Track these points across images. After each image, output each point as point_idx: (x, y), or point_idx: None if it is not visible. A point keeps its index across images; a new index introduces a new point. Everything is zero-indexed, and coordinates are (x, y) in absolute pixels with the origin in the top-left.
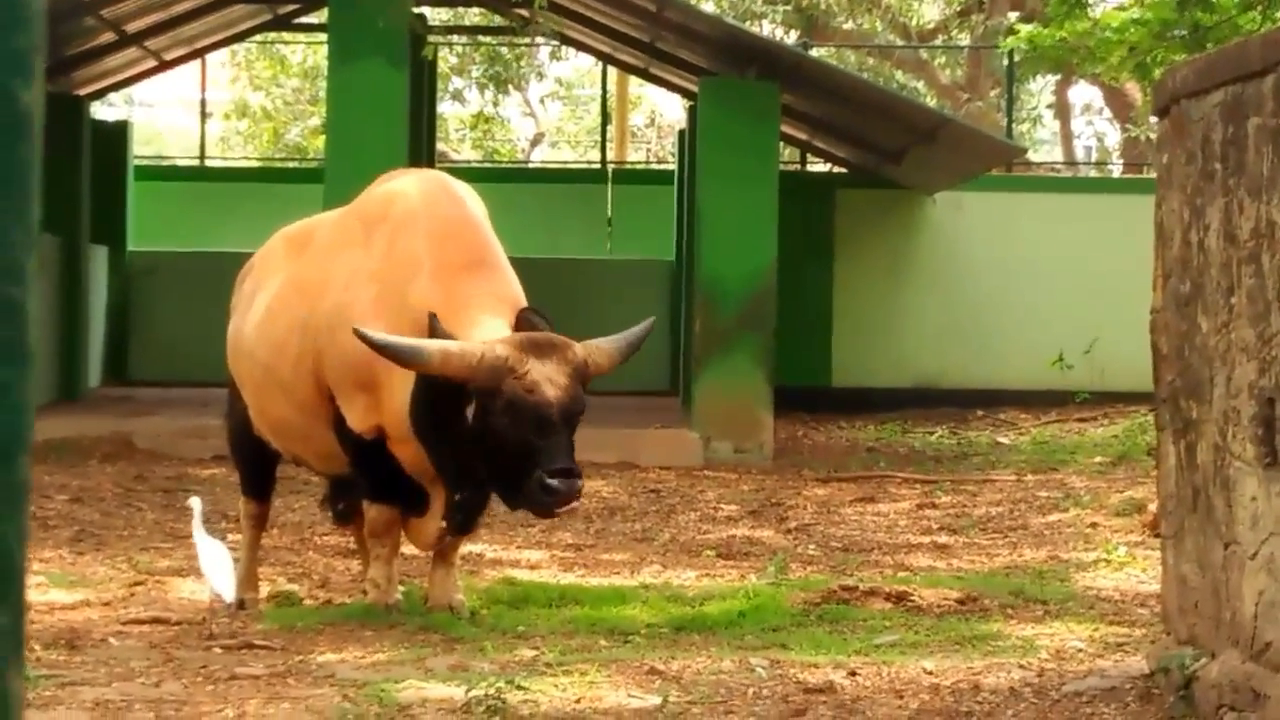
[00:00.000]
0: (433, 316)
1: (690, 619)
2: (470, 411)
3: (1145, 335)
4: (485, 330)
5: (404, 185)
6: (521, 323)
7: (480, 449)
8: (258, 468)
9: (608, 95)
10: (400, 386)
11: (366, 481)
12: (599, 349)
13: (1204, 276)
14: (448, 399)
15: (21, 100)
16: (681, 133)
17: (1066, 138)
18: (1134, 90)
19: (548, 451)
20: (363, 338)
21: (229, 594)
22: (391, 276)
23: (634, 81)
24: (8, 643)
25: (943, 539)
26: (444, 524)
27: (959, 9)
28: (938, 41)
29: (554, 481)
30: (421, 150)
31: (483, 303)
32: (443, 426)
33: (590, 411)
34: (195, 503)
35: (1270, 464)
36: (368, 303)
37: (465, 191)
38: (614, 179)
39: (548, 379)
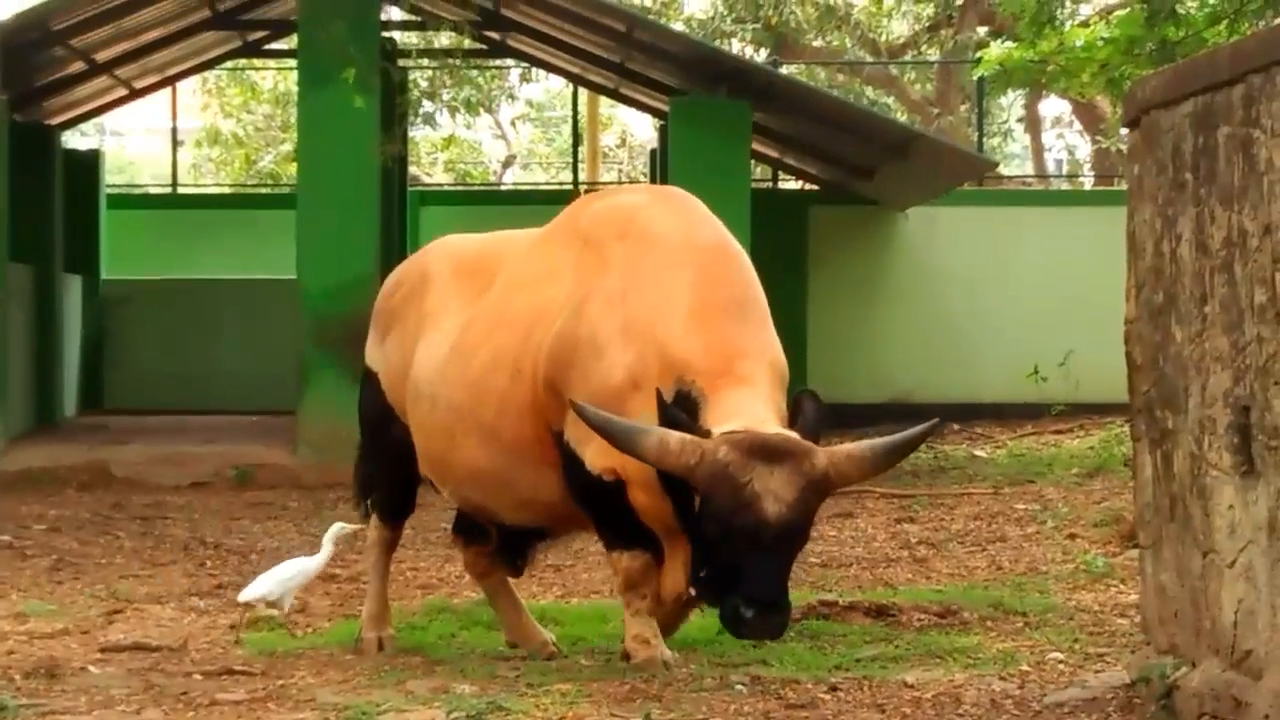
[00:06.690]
0: (676, 399)
1: (671, 637)
2: (696, 500)
3: (1119, 346)
4: (739, 409)
5: (646, 200)
6: (796, 404)
7: (700, 538)
8: (399, 489)
9: (578, 116)
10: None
11: (607, 528)
12: (850, 458)
13: (1177, 286)
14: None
15: None
16: (653, 152)
17: (1037, 151)
18: (1104, 103)
19: (751, 575)
20: (579, 411)
21: None
22: (640, 305)
23: (605, 102)
24: None
25: (921, 553)
26: (691, 590)
27: (928, 24)
28: (907, 57)
29: (748, 613)
30: (393, 174)
31: (745, 365)
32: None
33: None
34: None
35: (1246, 472)
36: (613, 332)
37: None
38: None
39: (771, 493)
